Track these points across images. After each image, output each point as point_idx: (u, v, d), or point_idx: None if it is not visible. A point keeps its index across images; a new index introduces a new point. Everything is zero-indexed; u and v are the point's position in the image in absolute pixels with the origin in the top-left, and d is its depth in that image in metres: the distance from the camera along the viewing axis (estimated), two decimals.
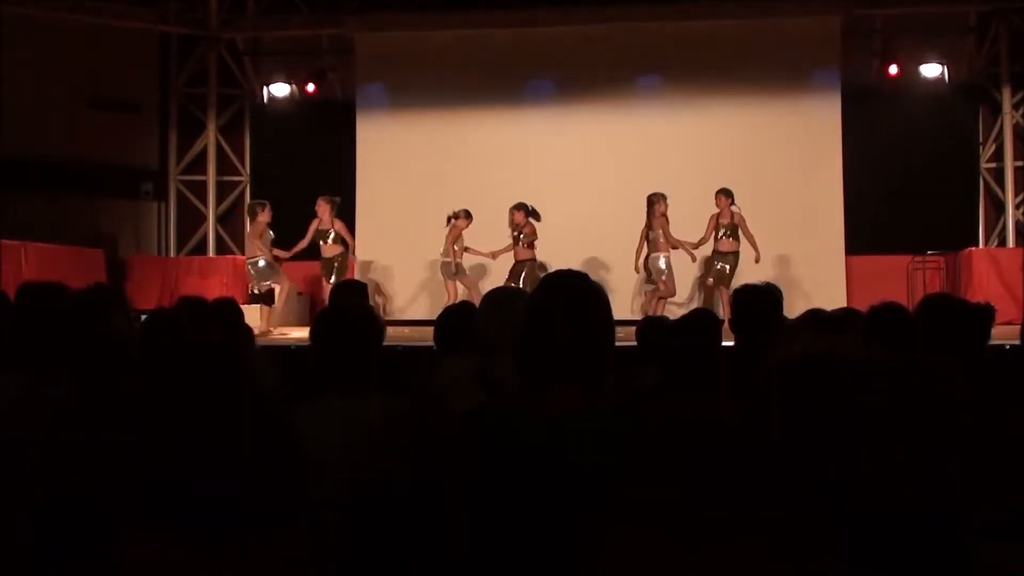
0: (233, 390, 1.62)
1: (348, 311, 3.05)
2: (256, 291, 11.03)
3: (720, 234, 11.02)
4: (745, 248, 10.99)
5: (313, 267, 11.93)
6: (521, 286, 10.29)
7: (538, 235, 11.25)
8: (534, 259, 11.28)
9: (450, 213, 11.28)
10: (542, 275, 3.77)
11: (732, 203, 10.99)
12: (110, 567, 1.49)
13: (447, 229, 11.29)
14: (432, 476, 2.28)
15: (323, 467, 2.16)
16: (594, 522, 1.76)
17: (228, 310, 4.64)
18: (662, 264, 10.86)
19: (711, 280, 11.10)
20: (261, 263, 10.93)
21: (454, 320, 4.15)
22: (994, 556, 1.36)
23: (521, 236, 11.24)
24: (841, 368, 1.43)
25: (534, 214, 11.26)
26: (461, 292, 11.21)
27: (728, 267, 10.98)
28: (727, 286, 10.68)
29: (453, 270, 11.28)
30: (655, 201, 10.84)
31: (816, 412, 1.37)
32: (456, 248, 11.27)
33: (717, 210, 11.02)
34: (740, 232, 10.98)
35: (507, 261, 11.47)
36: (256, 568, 1.51)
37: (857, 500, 1.32)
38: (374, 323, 2.98)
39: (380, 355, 2.92)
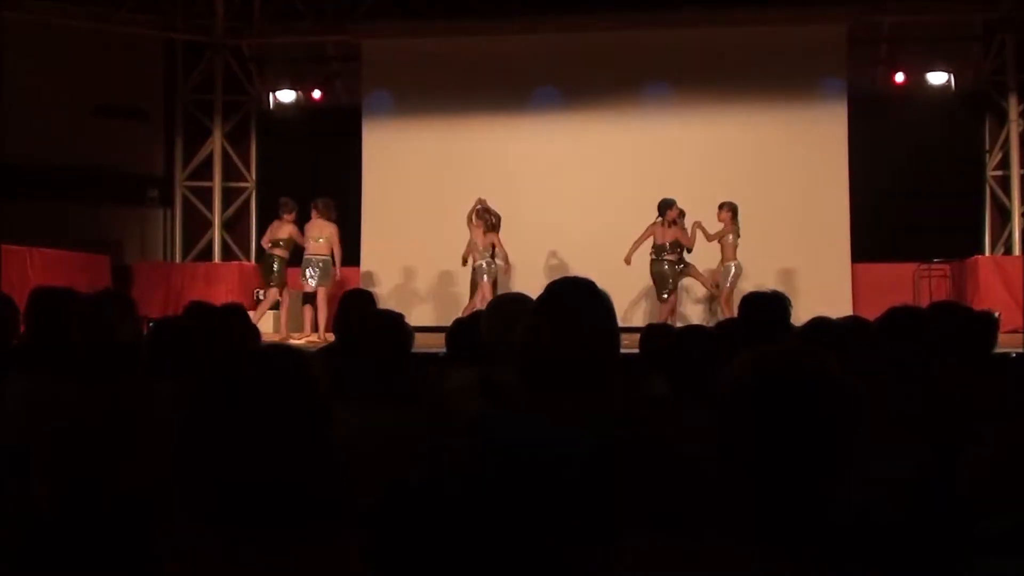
0: (301, 390, 1.63)
1: (383, 318, 3.07)
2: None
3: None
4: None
5: None
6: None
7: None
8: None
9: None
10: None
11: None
12: (156, 568, 1.49)
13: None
14: (439, 483, 2.28)
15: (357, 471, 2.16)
16: (594, 528, 1.76)
17: (235, 315, 4.64)
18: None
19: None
20: None
21: (466, 327, 4.16)
22: (993, 570, 1.35)
23: None
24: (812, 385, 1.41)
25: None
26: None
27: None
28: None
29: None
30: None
31: (789, 430, 1.35)
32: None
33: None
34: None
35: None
36: (302, 568, 1.50)
37: (849, 512, 1.32)
38: (406, 331, 3.01)
39: (409, 363, 2.96)
